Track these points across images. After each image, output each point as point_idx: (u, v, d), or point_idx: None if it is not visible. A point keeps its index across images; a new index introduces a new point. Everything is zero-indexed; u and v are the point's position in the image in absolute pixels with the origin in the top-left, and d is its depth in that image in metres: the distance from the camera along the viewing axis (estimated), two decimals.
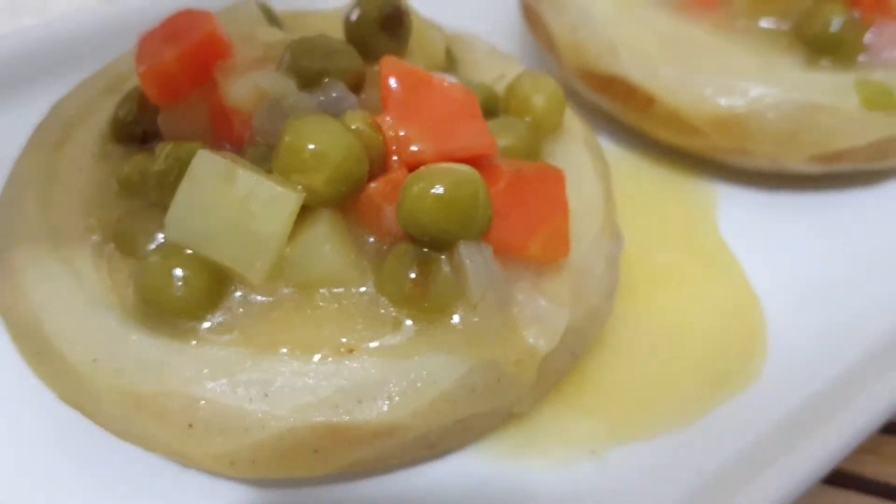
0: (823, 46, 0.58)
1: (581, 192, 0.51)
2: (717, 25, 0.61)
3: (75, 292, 0.44)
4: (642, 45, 0.60)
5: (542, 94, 0.52)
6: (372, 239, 0.44)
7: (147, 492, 0.46)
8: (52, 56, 0.63)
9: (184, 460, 0.43)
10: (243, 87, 0.45)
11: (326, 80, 0.45)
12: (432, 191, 0.41)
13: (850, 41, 0.58)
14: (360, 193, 0.43)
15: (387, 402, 0.41)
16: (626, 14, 0.61)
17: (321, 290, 0.43)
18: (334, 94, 0.45)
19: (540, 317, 0.45)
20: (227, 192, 0.41)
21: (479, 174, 0.44)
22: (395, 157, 0.44)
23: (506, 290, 0.43)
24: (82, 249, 0.46)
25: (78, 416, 0.44)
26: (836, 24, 0.57)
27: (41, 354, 0.44)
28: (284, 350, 0.42)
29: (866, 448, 0.53)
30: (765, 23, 0.60)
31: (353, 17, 0.48)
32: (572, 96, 0.68)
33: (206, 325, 0.42)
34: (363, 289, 0.43)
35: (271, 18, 0.55)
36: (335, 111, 0.44)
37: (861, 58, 0.58)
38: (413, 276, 0.42)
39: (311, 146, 0.41)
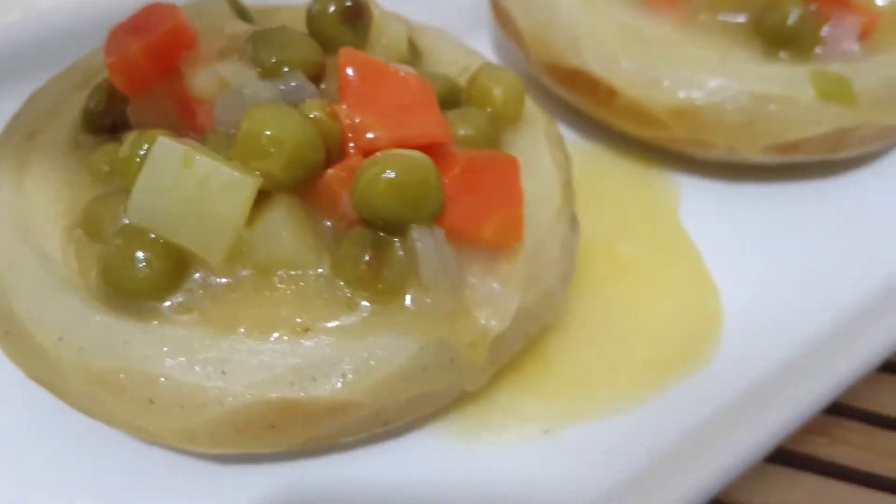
0: (781, 39, 0.59)
1: (538, 180, 0.52)
2: (679, 20, 0.62)
3: (43, 275, 0.46)
4: (605, 40, 0.61)
5: (501, 86, 0.53)
6: (330, 223, 0.46)
7: (112, 467, 0.47)
8: (31, 50, 0.65)
9: (145, 436, 0.44)
10: (206, 78, 0.47)
11: (286, 70, 0.47)
12: (384, 175, 0.42)
13: (807, 34, 0.59)
14: (317, 179, 0.45)
15: (340, 379, 0.43)
16: (590, 10, 0.63)
17: (279, 272, 0.44)
18: (293, 84, 0.46)
19: (492, 299, 0.46)
20: (187, 178, 0.42)
21: (434, 161, 0.45)
22: (351, 145, 0.46)
23: (458, 272, 0.45)
24: (52, 234, 0.48)
25: (46, 393, 0.45)
26: (793, 16, 0.58)
27: (10, 334, 0.45)
28: (242, 329, 0.43)
29: (819, 430, 0.55)
30: (725, 17, 0.62)
31: (315, 9, 0.50)
32: (540, 89, 0.70)
33: (167, 305, 0.44)
34: (320, 271, 0.45)
35: (241, 12, 0.57)
36: (294, 100, 0.46)
37: (818, 50, 0.60)
38: (367, 258, 0.44)
39: (268, 133, 0.43)
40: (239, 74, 0.46)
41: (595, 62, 0.61)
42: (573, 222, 0.54)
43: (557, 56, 0.63)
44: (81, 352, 0.43)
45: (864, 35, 0.60)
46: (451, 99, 0.54)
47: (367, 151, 0.45)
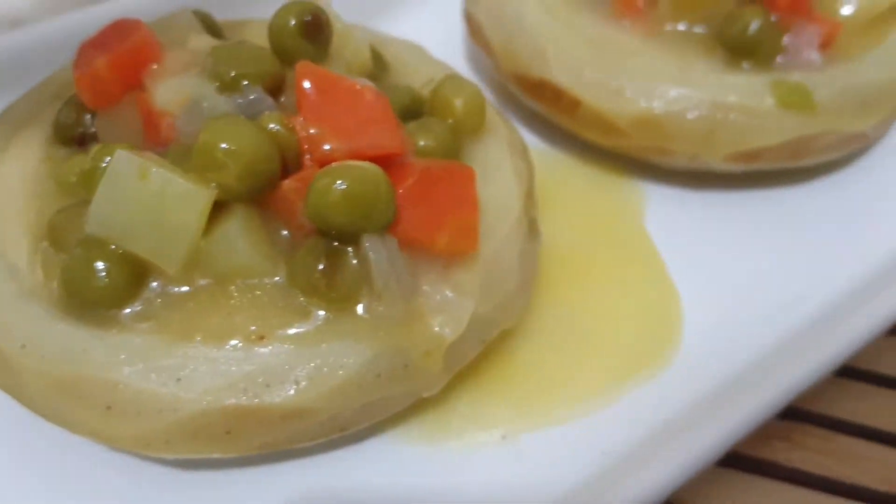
0: (742, 49, 0.60)
1: (497, 189, 0.53)
2: (644, 31, 0.63)
3: (8, 284, 0.47)
4: (570, 51, 0.62)
5: (462, 98, 0.54)
6: (287, 232, 0.47)
7: (74, 472, 0.48)
8: (8, 65, 0.66)
9: (105, 441, 0.45)
10: (168, 91, 0.48)
11: (245, 83, 0.48)
12: (335, 186, 0.43)
13: (768, 43, 0.60)
14: (274, 189, 0.46)
15: (294, 386, 0.44)
16: (557, 21, 0.64)
17: (236, 281, 0.45)
18: (252, 97, 0.47)
19: (446, 306, 0.47)
20: (143, 189, 0.43)
21: (389, 171, 0.46)
22: (308, 156, 0.47)
23: (410, 280, 0.46)
24: (20, 244, 0.49)
25: (9, 399, 0.46)
26: (753, 26, 0.59)
27: None
28: (198, 337, 0.44)
29: (779, 435, 0.55)
30: (689, 27, 0.62)
31: (275, 24, 0.51)
32: (509, 98, 0.71)
33: (126, 313, 0.45)
34: (276, 279, 0.46)
35: (210, 26, 0.58)
36: (252, 113, 0.47)
37: (779, 59, 0.60)
38: (321, 267, 0.45)
39: (223, 145, 0.44)
40: (198, 88, 0.47)
41: (560, 73, 0.62)
42: (534, 230, 0.55)
43: (524, 67, 0.64)
44: (42, 359, 0.45)
45: (825, 44, 0.61)
46: (413, 110, 0.55)
47: (323, 162, 0.46)
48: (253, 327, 0.44)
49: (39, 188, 0.52)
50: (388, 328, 0.45)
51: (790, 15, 0.60)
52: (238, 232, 0.45)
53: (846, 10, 0.62)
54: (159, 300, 0.45)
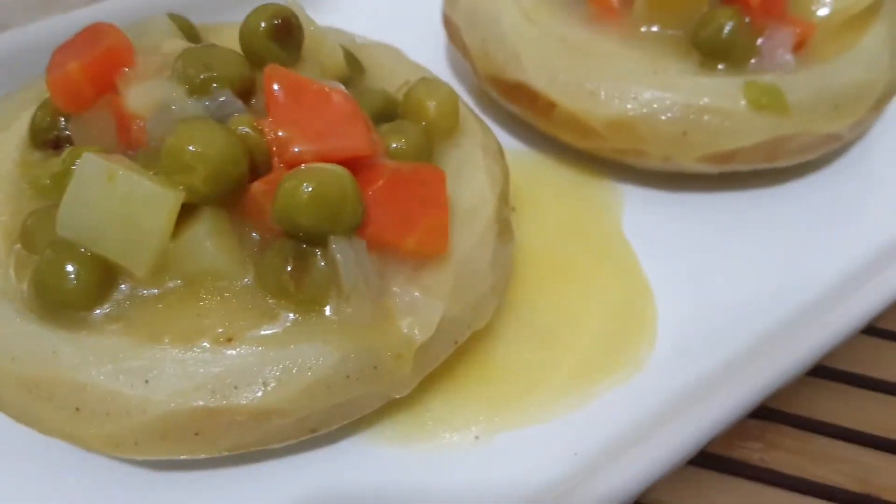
0: (716, 51, 0.60)
1: (470, 191, 0.53)
2: (620, 33, 0.63)
3: None
4: (545, 54, 0.62)
5: (435, 100, 0.55)
6: (256, 234, 0.47)
7: (44, 473, 0.49)
8: None
9: (75, 442, 0.45)
10: (138, 95, 0.48)
11: (214, 86, 0.48)
12: (302, 189, 0.44)
13: (742, 45, 0.60)
14: (243, 191, 0.46)
15: (262, 387, 0.44)
16: (532, 24, 0.64)
17: (204, 283, 0.46)
18: (221, 100, 0.48)
19: (415, 308, 0.47)
20: (111, 192, 0.43)
21: (358, 173, 0.47)
22: (277, 158, 0.47)
23: (378, 282, 0.46)
24: None
25: None
26: (727, 29, 0.59)
27: None
28: (167, 339, 0.44)
29: (753, 436, 0.55)
30: (664, 30, 0.63)
31: (246, 27, 0.51)
32: (486, 100, 0.71)
33: (96, 315, 0.45)
34: (245, 281, 0.46)
35: (187, 30, 0.58)
36: (221, 116, 0.47)
37: (753, 61, 0.60)
38: (289, 269, 0.45)
39: (190, 148, 0.44)
40: (168, 91, 0.48)
41: (535, 75, 0.62)
42: (507, 232, 0.55)
43: (500, 69, 0.64)
44: (13, 360, 0.45)
45: (799, 46, 0.61)
46: (387, 112, 0.55)
47: (292, 164, 0.46)
48: (221, 329, 0.45)
49: (15, 191, 0.52)
50: (356, 330, 0.46)
51: (764, 17, 0.61)
52: (206, 234, 0.45)
53: (820, 12, 0.62)
54: (128, 302, 0.45)
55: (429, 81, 0.56)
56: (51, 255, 0.45)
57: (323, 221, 0.44)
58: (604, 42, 0.63)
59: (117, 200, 0.44)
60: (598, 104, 0.60)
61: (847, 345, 0.58)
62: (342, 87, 0.50)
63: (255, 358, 0.44)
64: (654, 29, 0.63)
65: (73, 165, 0.47)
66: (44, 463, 0.50)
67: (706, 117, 0.59)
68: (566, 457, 0.50)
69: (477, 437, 0.51)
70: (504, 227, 0.55)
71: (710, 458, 0.55)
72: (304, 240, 0.45)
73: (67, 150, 0.49)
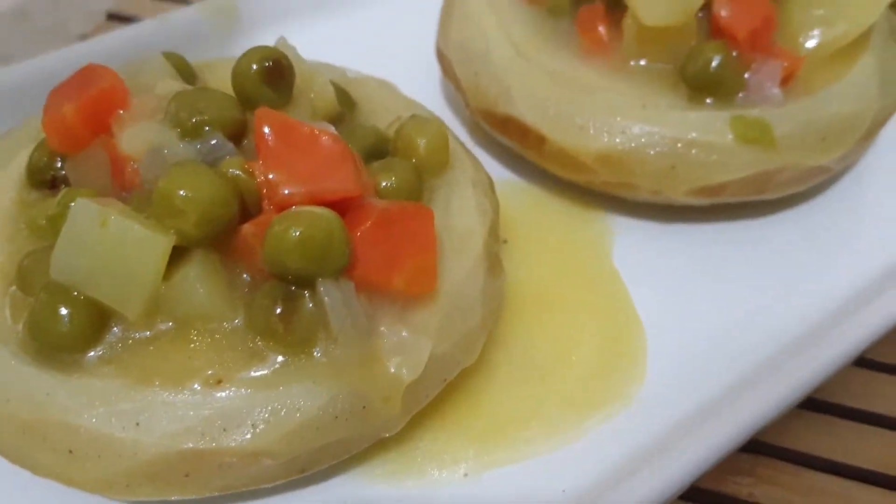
0: (704, 85, 0.61)
1: (458, 229, 0.54)
2: (609, 67, 0.64)
3: None
4: (535, 88, 0.63)
5: (425, 138, 0.55)
6: (247, 276, 0.48)
7: None
8: None
9: (68, 483, 0.46)
10: (131, 138, 0.49)
11: (206, 129, 0.49)
12: (290, 232, 0.44)
13: (730, 79, 0.60)
14: (234, 233, 0.47)
15: (251, 429, 0.45)
16: (523, 59, 0.65)
17: (195, 325, 0.46)
18: (212, 143, 0.48)
19: (403, 347, 0.48)
20: (104, 236, 0.44)
21: (347, 213, 0.47)
22: (267, 200, 0.48)
23: (366, 323, 0.46)
24: None
25: None
26: (715, 63, 0.60)
27: None
28: (157, 382, 0.45)
29: (743, 470, 0.56)
30: (653, 64, 0.63)
31: (237, 69, 0.52)
32: (479, 132, 0.72)
33: (89, 357, 0.46)
34: (236, 322, 0.47)
35: (182, 69, 0.59)
36: (212, 159, 0.48)
37: (741, 95, 0.61)
38: (279, 311, 0.46)
39: (181, 192, 0.45)
40: (160, 135, 0.49)
41: (525, 110, 0.63)
42: (496, 267, 0.55)
43: (491, 103, 0.65)
44: (7, 402, 0.46)
45: (787, 79, 0.61)
46: (378, 150, 0.56)
47: (282, 206, 0.47)
48: (211, 371, 0.45)
49: (12, 231, 0.53)
50: (345, 370, 0.46)
51: (751, 51, 0.61)
52: (196, 277, 0.46)
53: (808, 45, 0.63)
54: (121, 344, 0.46)
55: (419, 118, 0.57)
56: (45, 297, 0.46)
57: (311, 264, 0.45)
58: (594, 76, 0.63)
59: (109, 245, 0.44)
60: (588, 139, 0.61)
61: (838, 377, 0.59)
62: (332, 129, 0.50)
63: (244, 400, 0.45)
64: (644, 63, 0.63)
65: (69, 208, 0.48)
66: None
67: (694, 151, 0.59)
68: (555, 494, 0.50)
69: (466, 475, 0.52)
70: (494, 262, 0.55)
71: (699, 493, 0.55)
72: (293, 282, 0.46)
73: (63, 192, 0.49)
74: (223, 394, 0.45)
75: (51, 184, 0.55)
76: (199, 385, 0.45)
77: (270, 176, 0.47)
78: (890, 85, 0.65)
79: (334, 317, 0.45)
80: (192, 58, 0.63)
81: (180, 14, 0.76)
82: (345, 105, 0.59)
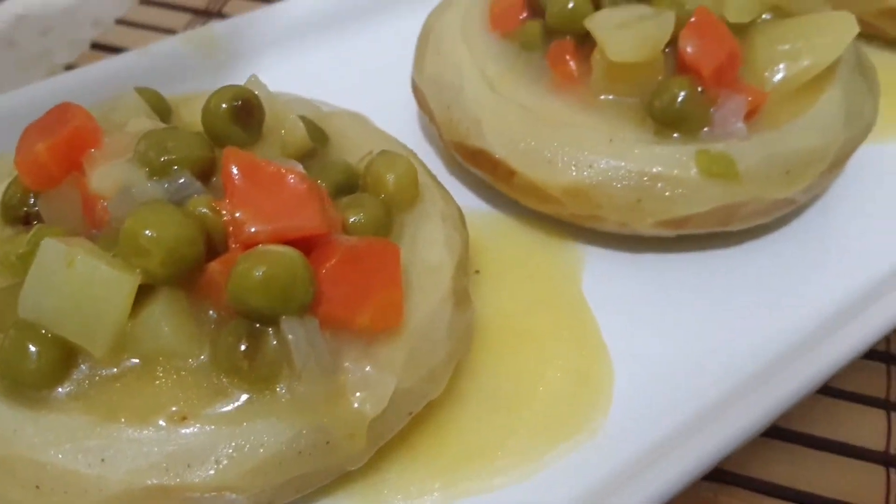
0: (670, 120, 0.62)
1: (426, 264, 0.55)
2: (580, 102, 0.65)
3: None
4: (505, 122, 0.64)
5: (394, 173, 0.56)
6: (214, 313, 0.49)
7: None
8: None
9: None
10: (101, 177, 0.50)
11: (175, 168, 0.50)
12: (253, 271, 0.45)
13: (694, 114, 0.62)
14: (201, 271, 0.48)
15: (214, 465, 0.46)
16: (495, 94, 0.66)
17: (161, 362, 0.47)
18: (180, 182, 0.49)
19: (367, 383, 0.49)
20: (70, 276, 0.45)
21: (313, 250, 0.48)
22: (233, 238, 0.49)
23: (330, 359, 0.47)
24: None
25: None
26: (680, 98, 0.61)
27: None
28: (123, 418, 0.46)
29: (706, 499, 0.57)
30: (622, 98, 0.64)
31: (207, 108, 0.53)
32: (454, 163, 0.73)
33: (57, 394, 0.47)
34: (202, 358, 0.48)
35: (157, 104, 0.60)
36: (180, 197, 0.49)
37: (706, 130, 0.62)
38: (243, 348, 0.47)
39: (147, 232, 0.46)
40: (129, 174, 0.50)
41: (495, 143, 0.64)
42: (464, 301, 0.56)
43: (463, 136, 0.66)
44: None
45: (752, 114, 0.62)
46: (349, 185, 0.57)
47: (248, 244, 0.48)
48: (175, 407, 0.46)
49: None
50: (308, 407, 0.47)
51: (717, 86, 0.62)
52: (162, 315, 0.46)
53: (773, 80, 0.64)
54: (88, 381, 0.47)
55: (388, 154, 0.58)
56: (13, 335, 0.46)
57: (273, 303, 0.46)
58: (564, 110, 0.64)
59: (76, 284, 0.45)
60: (556, 172, 0.62)
61: (802, 406, 0.60)
62: (299, 167, 0.51)
63: (208, 436, 0.46)
64: (613, 97, 0.64)
65: (38, 245, 0.48)
66: None
67: (659, 185, 0.60)
68: None
69: None
70: (462, 297, 0.56)
71: None
72: (257, 319, 0.47)
73: (34, 230, 0.50)
74: (188, 430, 0.46)
75: (24, 220, 0.56)
76: (164, 421, 0.46)
77: (237, 214, 0.48)
78: (855, 117, 0.66)
79: (297, 354, 0.46)
80: (174, 89, 0.65)
81: (162, 46, 0.77)
82: (317, 140, 0.60)
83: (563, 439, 0.55)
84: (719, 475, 0.58)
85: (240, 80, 0.58)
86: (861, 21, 0.82)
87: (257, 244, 0.48)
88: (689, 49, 0.62)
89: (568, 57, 0.66)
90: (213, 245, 0.49)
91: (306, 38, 0.82)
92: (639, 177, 0.60)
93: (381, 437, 0.50)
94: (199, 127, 0.55)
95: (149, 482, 0.45)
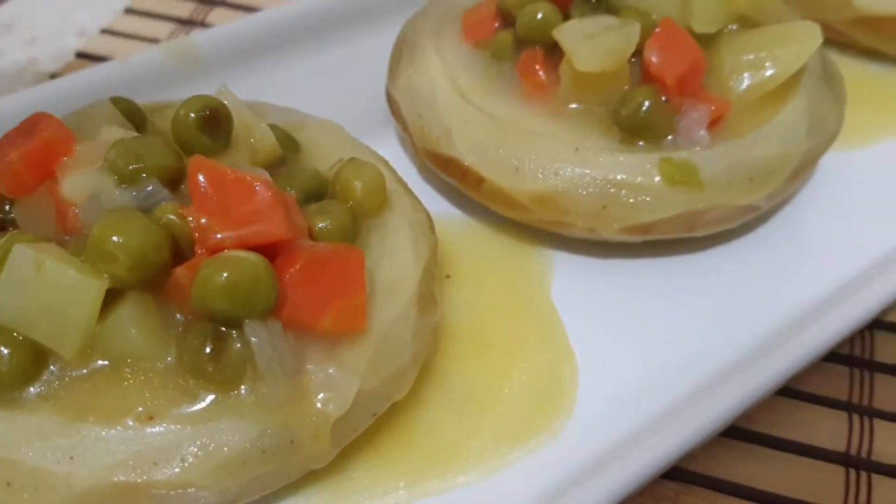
0: (635, 128, 0.63)
1: (391, 268, 0.56)
2: (548, 110, 0.66)
3: None
4: (475, 131, 0.66)
5: (361, 180, 0.58)
6: (180, 316, 0.50)
7: None
8: None
9: None
10: (71, 184, 0.52)
11: (143, 176, 0.51)
12: (216, 276, 0.47)
13: (659, 123, 0.63)
14: (168, 275, 0.49)
15: (180, 463, 0.47)
16: (466, 103, 0.67)
17: (129, 364, 0.49)
18: (148, 189, 0.51)
19: (330, 384, 0.50)
20: (40, 281, 0.47)
21: (278, 256, 0.50)
22: (199, 244, 0.50)
23: (293, 362, 0.49)
24: None
25: None
26: (644, 107, 0.63)
27: None
28: (91, 418, 0.47)
29: (666, 497, 0.58)
30: (589, 107, 0.66)
31: (176, 117, 0.55)
32: (426, 170, 0.74)
33: (27, 394, 0.48)
34: (169, 360, 0.49)
35: (131, 113, 0.62)
36: (148, 205, 0.51)
37: (670, 138, 0.64)
38: (208, 350, 0.48)
39: (114, 238, 0.47)
40: (98, 182, 0.51)
41: (464, 151, 0.65)
42: (430, 305, 0.58)
43: (434, 144, 0.68)
44: None
45: (714, 122, 0.64)
46: (318, 192, 0.58)
47: (214, 250, 0.49)
48: (142, 408, 0.47)
49: None
50: (272, 407, 0.48)
51: (681, 96, 0.64)
52: (129, 318, 0.48)
53: (738, 89, 0.66)
54: (57, 382, 0.48)
55: (356, 161, 0.60)
56: None
57: (236, 307, 0.47)
58: (532, 119, 0.66)
59: (46, 289, 0.47)
60: (523, 179, 0.63)
61: (764, 406, 0.61)
62: (266, 174, 0.53)
63: (174, 435, 0.47)
64: (580, 106, 0.66)
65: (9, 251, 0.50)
66: None
67: (623, 192, 0.62)
68: None
69: None
70: (428, 301, 0.57)
71: None
72: (222, 322, 0.48)
73: (6, 237, 0.52)
74: (154, 429, 0.47)
75: (1, 226, 0.57)
76: (131, 421, 0.47)
77: (203, 221, 0.50)
78: (819, 125, 0.68)
79: (260, 356, 0.48)
80: (155, 98, 0.66)
81: (142, 56, 0.79)
82: (288, 148, 0.62)
83: (526, 439, 0.57)
84: (681, 474, 0.59)
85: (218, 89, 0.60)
86: (833, 30, 0.84)
87: (223, 250, 0.49)
88: (653, 59, 0.64)
89: (537, 67, 0.68)
90: (181, 251, 0.50)
91: (284, 48, 0.83)
92: (604, 184, 0.62)
93: (345, 437, 0.52)
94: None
95: (116, 479, 0.46)
